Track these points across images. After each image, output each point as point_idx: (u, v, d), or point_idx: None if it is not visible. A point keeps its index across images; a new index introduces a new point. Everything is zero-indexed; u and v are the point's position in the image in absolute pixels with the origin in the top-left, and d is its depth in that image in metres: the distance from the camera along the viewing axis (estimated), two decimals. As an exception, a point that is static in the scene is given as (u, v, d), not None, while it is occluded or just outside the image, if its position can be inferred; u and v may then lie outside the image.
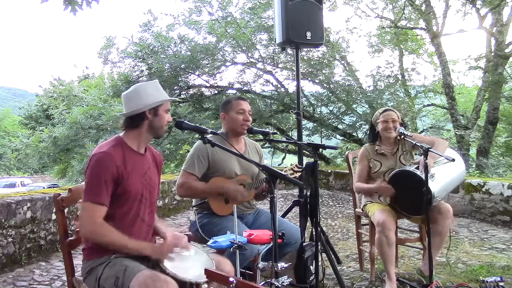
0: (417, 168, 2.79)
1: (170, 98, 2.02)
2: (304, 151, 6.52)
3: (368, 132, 3.60)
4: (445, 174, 2.92)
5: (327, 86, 13.58)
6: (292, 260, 2.22)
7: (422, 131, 14.86)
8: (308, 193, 2.29)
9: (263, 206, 5.34)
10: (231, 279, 1.45)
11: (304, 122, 13.07)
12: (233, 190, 2.54)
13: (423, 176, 2.65)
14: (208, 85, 14.34)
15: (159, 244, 1.88)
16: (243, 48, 13.03)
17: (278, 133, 12.55)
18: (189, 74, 13.54)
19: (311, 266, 2.21)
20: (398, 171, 2.90)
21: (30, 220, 3.82)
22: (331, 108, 14.05)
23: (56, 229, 3.91)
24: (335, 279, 2.87)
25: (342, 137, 14.69)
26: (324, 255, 2.76)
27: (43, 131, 13.34)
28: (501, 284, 2.72)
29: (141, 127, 1.94)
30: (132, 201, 1.88)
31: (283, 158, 17.19)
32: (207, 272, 1.56)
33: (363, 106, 13.63)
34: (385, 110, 3.19)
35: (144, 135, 1.96)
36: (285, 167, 2.68)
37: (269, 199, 1.81)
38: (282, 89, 14.12)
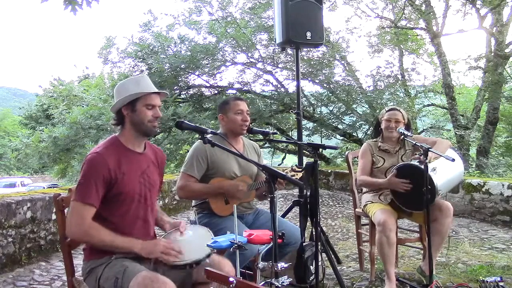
0: (420, 163, 2.79)
1: (146, 92, 1.88)
2: (304, 151, 6.52)
3: (373, 128, 3.60)
4: (446, 170, 2.93)
5: (327, 86, 13.58)
6: (292, 260, 2.21)
7: (422, 131, 14.86)
8: (308, 193, 2.29)
9: (263, 206, 5.34)
10: (231, 279, 1.45)
11: (304, 122, 13.06)
12: (233, 187, 2.54)
13: (429, 172, 2.66)
14: (208, 85, 14.34)
15: (150, 242, 1.83)
16: (243, 48, 13.03)
17: (278, 133, 12.56)
18: (189, 74, 13.54)
19: (311, 266, 2.21)
20: (403, 165, 2.90)
21: (30, 220, 3.82)
22: (331, 108, 14.05)
23: (56, 229, 3.91)
24: (335, 279, 2.87)
25: (342, 137, 14.69)
26: (324, 255, 2.76)
27: (43, 131, 13.35)
28: (501, 284, 2.72)
29: (126, 125, 1.91)
30: (130, 201, 1.86)
31: (283, 158, 17.19)
32: (207, 272, 1.56)
33: (363, 106, 13.63)
34: (391, 109, 3.20)
35: (132, 133, 1.91)
36: (286, 169, 2.68)
37: (269, 199, 1.81)
38: (282, 89, 14.11)
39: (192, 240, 1.92)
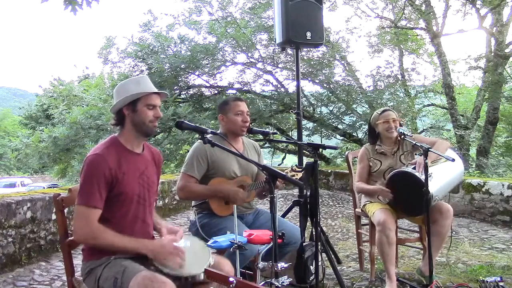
0: (414, 168, 2.79)
1: (147, 92, 1.89)
2: (304, 151, 6.52)
3: (367, 133, 3.59)
4: (443, 173, 2.92)
5: (327, 86, 13.58)
6: (292, 260, 2.22)
7: (422, 131, 14.85)
8: (308, 193, 2.29)
9: (263, 206, 5.33)
10: (231, 279, 1.46)
11: (304, 122, 13.05)
12: (233, 193, 2.54)
13: (421, 177, 2.65)
14: (208, 85, 14.34)
15: (158, 242, 1.83)
16: (243, 48, 13.03)
17: (278, 133, 12.54)
18: (189, 74, 13.54)
19: (311, 266, 2.21)
20: (395, 173, 2.90)
21: (30, 220, 3.82)
22: (331, 108, 14.04)
23: (56, 229, 3.91)
24: (335, 279, 2.87)
25: (342, 137, 14.69)
26: (324, 255, 2.76)
27: (43, 131, 13.35)
28: (501, 284, 2.72)
29: (126, 125, 1.91)
30: (130, 202, 1.86)
31: (283, 158, 17.18)
32: (207, 272, 1.56)
33: (363, 106, 13.63)
34: (384, 111, 3.20)
35: (132, 133, 1.91)
36: (286, 169, 2.68)
37: (269, 199, 1.81)
38: (282, 89, 14.11)
39: (190, 252, 1.86)
